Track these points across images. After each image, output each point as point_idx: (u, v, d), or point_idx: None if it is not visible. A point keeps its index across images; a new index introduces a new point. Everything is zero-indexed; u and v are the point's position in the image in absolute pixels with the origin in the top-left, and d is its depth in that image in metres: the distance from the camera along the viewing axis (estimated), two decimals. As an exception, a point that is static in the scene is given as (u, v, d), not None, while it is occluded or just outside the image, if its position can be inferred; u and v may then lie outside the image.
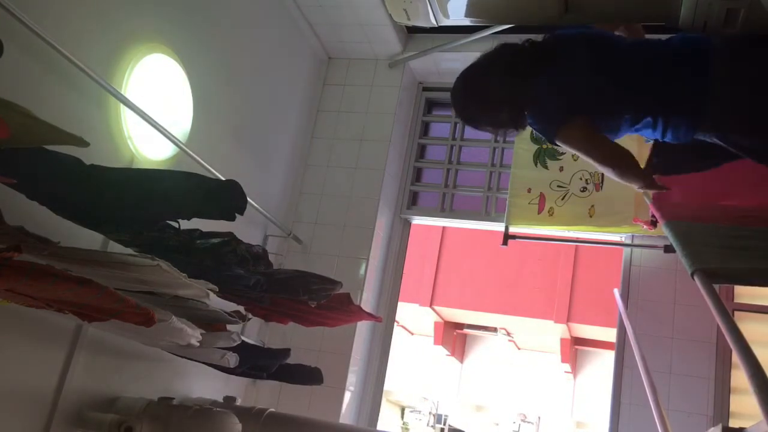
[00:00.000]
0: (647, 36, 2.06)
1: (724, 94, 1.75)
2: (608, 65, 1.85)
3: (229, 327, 2.47)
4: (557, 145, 1.89)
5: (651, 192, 2.02)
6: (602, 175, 3.45)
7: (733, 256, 1.67)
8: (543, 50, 1.91)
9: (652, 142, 1.99)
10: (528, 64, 1.88)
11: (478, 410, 13.03)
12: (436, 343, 10.79)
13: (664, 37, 1.93)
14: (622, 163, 1.85)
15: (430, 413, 13.47)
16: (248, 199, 1.87)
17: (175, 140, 2.68)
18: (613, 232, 3.54)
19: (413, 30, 3.99)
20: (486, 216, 3.98)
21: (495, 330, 10.77)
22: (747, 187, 2.01)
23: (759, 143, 1.76)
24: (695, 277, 1.58)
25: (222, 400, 3.01)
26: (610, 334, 7.16)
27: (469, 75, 2.00)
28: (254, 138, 3.56)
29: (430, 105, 4.35)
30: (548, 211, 3.53)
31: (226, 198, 1.81)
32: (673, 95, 1.79)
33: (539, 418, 12.39)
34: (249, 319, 2.66)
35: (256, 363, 2.75)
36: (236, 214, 1.81)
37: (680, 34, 1.88)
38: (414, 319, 10.35)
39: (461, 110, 2.05)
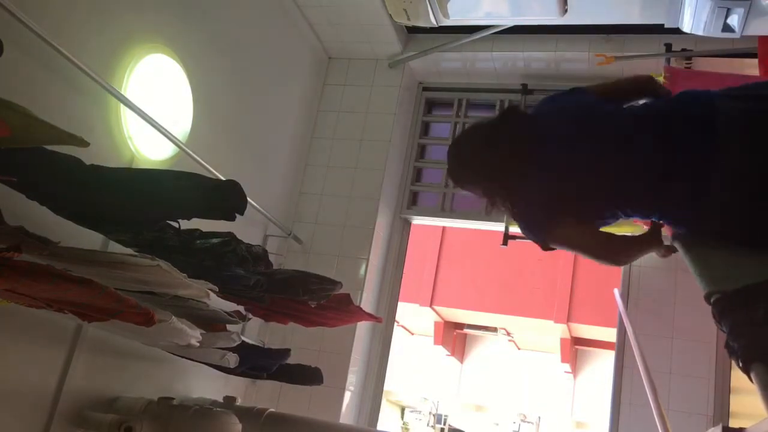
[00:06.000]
0: None
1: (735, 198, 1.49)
2: (594, 165, 1.63)
3: (229, 327, 2.47)
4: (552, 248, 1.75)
5: None
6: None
7: (749, 273, 1.58)
8: (530, 144, 1.70)
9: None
10: (516, 162, 1.70)
11: (478, 410, 13.02)
12: (436, 343, 10.79)
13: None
14: (620, 254, 1.76)
15: (430, 413, 13.47)
16: (248, 199, 1.87)
17: (175, 140, 2.68)
18: (613, 231, 3.53)
19: (413, 30, 3.98)
20: (486, 216, 3.96)
21: (495, 330, 10.76)
22: None
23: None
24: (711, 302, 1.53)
25: (222, 400, 3.01)
26: (610, 334, 7.15)
27: (468, 143, 1.88)
28: (254, 138, 3.56)
29: (430, 105, 4.35)
30: (548, 211, 3.53)
31: (226, 198, 1.81)
32: (668, 200, 1.57)
33: (539, 418, 12.38)
34: (249, 319, 2.66)
35: (256, 363, 2.75)
36: (236, 214, 1.81)
37: (677, 100, 1.66)
38: (414, 319, 10.35)
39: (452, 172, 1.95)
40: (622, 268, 3.57)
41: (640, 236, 1.79)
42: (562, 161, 1.66)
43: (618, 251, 1.72)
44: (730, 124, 1.50)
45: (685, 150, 1.52)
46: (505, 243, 3.62)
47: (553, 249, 1.74)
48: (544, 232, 1.70)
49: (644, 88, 1.84)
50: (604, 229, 1.74)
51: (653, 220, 1.73)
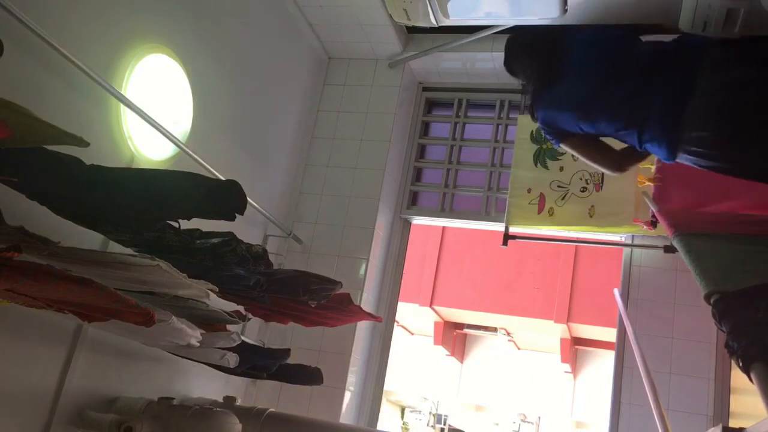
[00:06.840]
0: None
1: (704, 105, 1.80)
2: (600, 91, 2.02)
3: (229, 327, 2.47)
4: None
5: (651, 192, 2.03)
6: (602, 175, 3.46)
7: (752, 274, 1.58)
8: (559, 61, 2.13)
9: None
10: (547, 73, 2.15)
11: (478, 410, 13.02)
12: (436, 343, 10.78)
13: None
14: (612, 163, 2.18)
15: (430, 413, 13.47)
16: (248, 199, 1.87)
17: (175, 140, 2.68)
18: (613, 232, 3.54)
19: (413, 30, 3.98)
20: (486, 216, 3.98)
21: (495, 330, 10.76)
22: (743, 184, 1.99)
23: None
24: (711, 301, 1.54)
25: (222, 400, 3.01)
26: (610, 334, 7.15)
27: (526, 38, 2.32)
28: (254, 138, 3.56)
29: (430, 105, 4.35)
30: (548, 211, 3.53)
31: (226, 198, 1.81)
32: (650, 129, 1.90)
33: (539, 418, 12.38)
34: (249, 319, 2.66)
35: (256, 363, 2.76)
36: (236, 214, 1.80)
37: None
38: (414, 319, 10.35)
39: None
40: (622, 267, 3.58)
41: (629, 149, 2.11)
42: (577, 84, 2.05)
43: (616, 160, 2.14)
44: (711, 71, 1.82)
45: (668, 85, 1.85)
46: (505, 243, 3.62)
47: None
48: (556, 136, 2.17)
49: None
50: None
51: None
